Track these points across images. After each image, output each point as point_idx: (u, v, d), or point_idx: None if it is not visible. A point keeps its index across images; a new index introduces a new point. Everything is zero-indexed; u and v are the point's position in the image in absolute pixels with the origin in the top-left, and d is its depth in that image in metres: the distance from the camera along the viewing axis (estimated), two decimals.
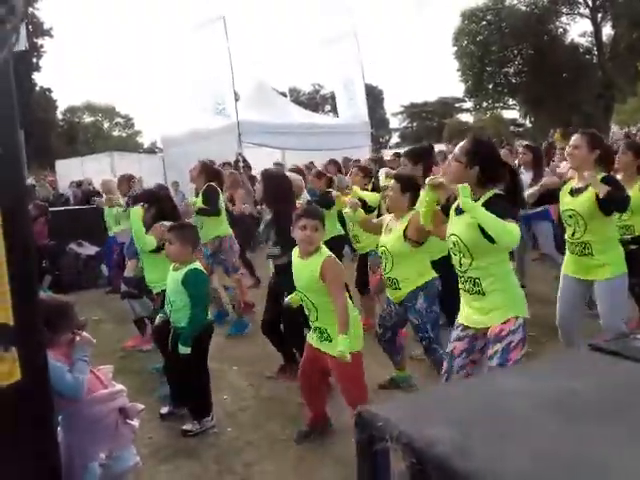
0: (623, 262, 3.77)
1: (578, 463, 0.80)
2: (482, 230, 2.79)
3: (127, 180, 7.01)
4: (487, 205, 2.83)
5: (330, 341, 3.29)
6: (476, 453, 0.82)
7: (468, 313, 3.04)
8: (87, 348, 2.55)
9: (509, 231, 2.71)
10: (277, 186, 4.66)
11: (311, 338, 3.50)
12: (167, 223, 4.24)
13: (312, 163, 10.75)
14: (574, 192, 3.79)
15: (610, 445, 0.83)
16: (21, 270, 1.48)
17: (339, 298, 3.19)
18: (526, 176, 5.96)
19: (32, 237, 1.61)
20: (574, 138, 3.83)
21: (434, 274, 3.91)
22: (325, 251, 3.32)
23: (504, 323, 2.88)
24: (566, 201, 3.83)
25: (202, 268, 3.89)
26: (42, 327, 1.67)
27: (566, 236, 3.89)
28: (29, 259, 1.54)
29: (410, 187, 3.88)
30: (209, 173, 6.24)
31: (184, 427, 3.82)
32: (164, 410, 4.06)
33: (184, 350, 3.59)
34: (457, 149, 3.02)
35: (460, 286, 3.07)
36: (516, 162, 7.28)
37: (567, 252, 3.92)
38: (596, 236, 3.68)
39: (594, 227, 3.67)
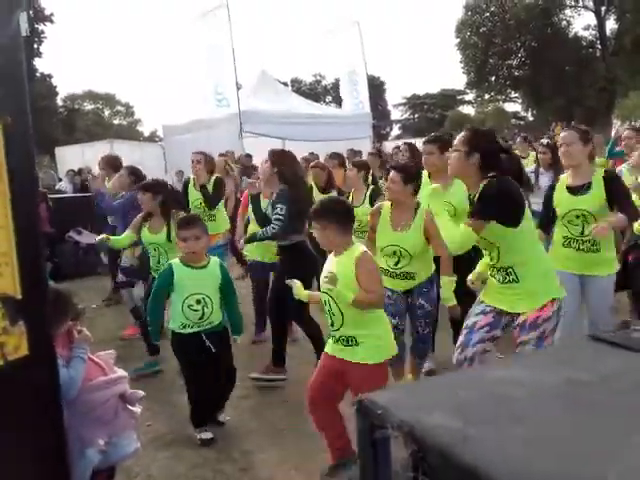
0: (616, 260, 3.82)
1: (578, 451, 0.80)
2: (500, 222, 2.80)
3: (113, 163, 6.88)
4: (479, 198, 2.83)
5: (357, 345, 2.89)
6: (476, 441, 0.83)
7: (498, 298, 3.00)
8: (85, 345, 2.52)
9: (451, 234, 2.91)
10: (286, 163, 4.54)
11: (331, 349, 3.03)
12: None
13: (312, 153, 10.70)
14: (575, 191, 3.67)
15: (609, 433, 0.84)
16: (29, 245, 1.48)
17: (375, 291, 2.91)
18: (546, 177, 5.62)
19: (39, 215, 1.62)
20: (564, 135, 3.73)
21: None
22: (358, 247, 2.98)
23: (540, 309, 2.86)
24: (569, 201, 3.68)
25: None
26: (49, 303, 1.67)
27: (566, 234, 3.74)
28: (36, 235, 1.54)
29: (411, 178, 3.85)
30: (211, 165, 6.23)
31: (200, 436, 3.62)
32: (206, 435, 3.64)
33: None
34: (456, 139, 3.00)
35: (491, 275, 3.04)
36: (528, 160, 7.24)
37: (566, 250, 3.75)
38: None
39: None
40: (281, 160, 4.50)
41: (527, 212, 2.90)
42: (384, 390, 1.12)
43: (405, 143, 7.17)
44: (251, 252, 5.32)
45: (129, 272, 5.36)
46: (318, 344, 4.20)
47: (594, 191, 3.59)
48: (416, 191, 3.86)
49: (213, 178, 6.03)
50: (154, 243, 4.57)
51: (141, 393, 2.66)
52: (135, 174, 5.75)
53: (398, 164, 4.34)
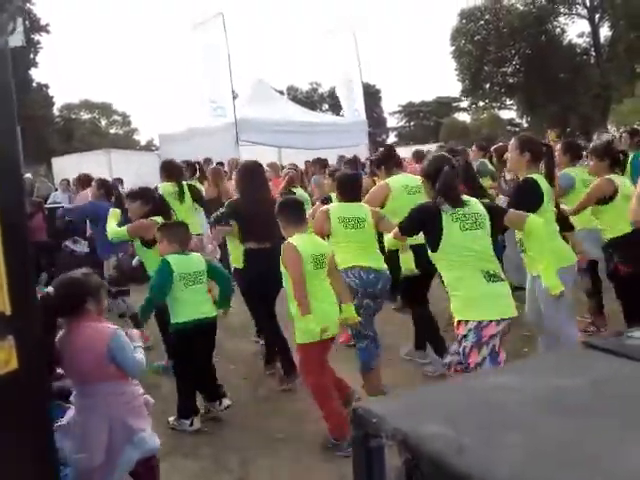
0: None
1: (570, 458, 0.80)
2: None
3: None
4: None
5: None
6: (470, 449, 0.83)
7: None
8: (140, 338, 2.91)
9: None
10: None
11: None
12: (157, 219, 4.42)
13: (308, 161, 10.71)
14: None
15: (602, 441, 0.84)
16: (18, 260, 1.48)
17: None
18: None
19: (27, 229, 1.62)
20: (510, 142, 4.11)
21: None
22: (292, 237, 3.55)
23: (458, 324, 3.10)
24: None
25: (173, 259, 3.78)
26: (39, 317, 1.67)
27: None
28: (25, 249, 1.54)
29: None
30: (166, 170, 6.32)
31: (170, 418, 3.91)
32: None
33: None
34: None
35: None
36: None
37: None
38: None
39: None
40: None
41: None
42: (379, 399, 1.12)
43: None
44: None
45: (112, 282, 5.45)
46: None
47: None
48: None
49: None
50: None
51: (152, 400, 2.88)
52: (104, 186, 6.03)
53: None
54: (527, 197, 3.71)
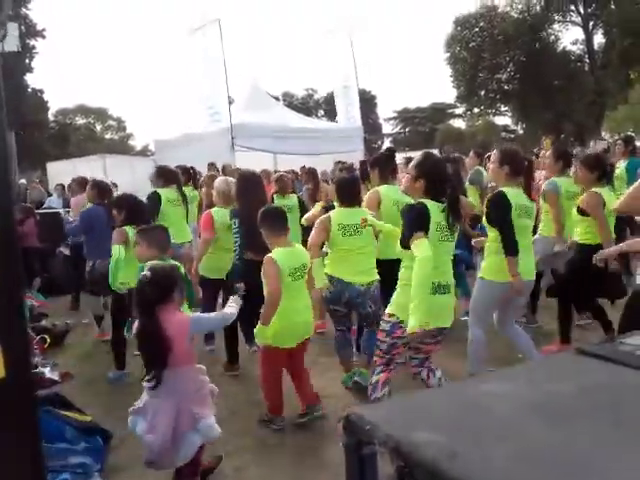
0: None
1: (562, 464, 0.80)
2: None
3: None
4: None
5: None
6: (462, 456, 0.83)
7: None
8: (237, 303, 3.20)
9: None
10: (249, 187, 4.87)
11: None
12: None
13: (304, 167, 10.72)
14: None
15: (594, 446, 0.84)
16: (6, 266, 1.46)
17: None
18: None
19: (17, 234, 1.60)
20: (492, 154, 4.26)
21: None
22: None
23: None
24: None
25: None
26: (27, 324, 1.66)
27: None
28: (14, 256, 1.52)
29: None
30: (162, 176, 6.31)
31: None
32: None
33: None
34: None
35: None
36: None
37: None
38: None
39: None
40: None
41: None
42: (371, 406, 1.12)
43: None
44: None
45: (99, 282, 5.41)
46: None
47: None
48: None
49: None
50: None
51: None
52: (98, 187, 5.98)
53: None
54: (496, 210, 3.91)
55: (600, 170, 4.61)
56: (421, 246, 3.04)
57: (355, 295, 4.18)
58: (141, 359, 2.97)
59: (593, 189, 4.54)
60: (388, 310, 3.34)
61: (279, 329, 3.63)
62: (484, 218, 4.07)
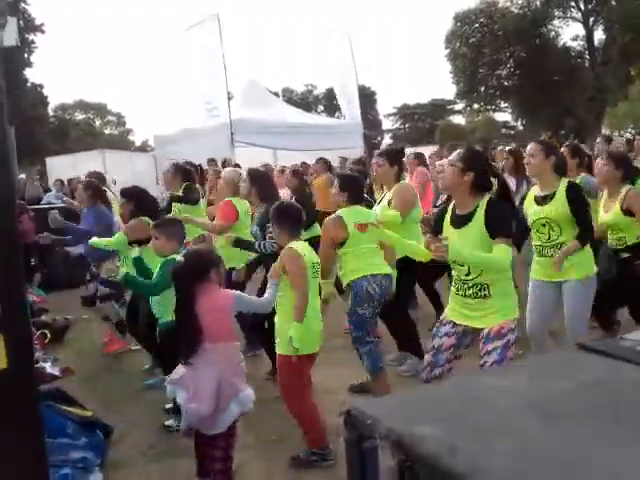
0: (593, 262, 3.89)
1: (564, 460, 0.81)
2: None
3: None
4: (486, 213, 3.03)
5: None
6: (463, 450, 0.83)
7: (463, 313, 3.16)
8: (277, 280, 3.23)
9: (497, 261, 2.97)
10: (265, 184, 4.78)
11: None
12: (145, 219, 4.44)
13: (304, 163, 10.73)
14: (541, 200, 3.88)
15: (595, 443, 0.84)
16: (7, 260, 1.47)
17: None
18: (510, 182, 5.88)
19: (17, 227, 1.60)
20: (528, 147, 4.01)
21: None
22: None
23: (504, 322, 3.05)
24: (536, 210, 3.89)
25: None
26: (29, 316, 1.67)
27: (537, 242, 3.93)
28: (15, 249, 1.53)
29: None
30: (183, 174, 6.24)
31: (165, 422, 3.85)
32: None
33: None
34: (453, 155, 3.23)
35: (457, 291, 3.19)
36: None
37: (537, 257, 3.95)
38: (570, 237, 3.77)
39: (568, 229, 3.78)
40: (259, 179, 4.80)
41: None
42: (373, 400, 1.12)
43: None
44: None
45: (111, 284, 5.27)
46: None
47: (556, 200, 3.79)
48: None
49: (184, 185, 6.05)
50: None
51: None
52: (91, 187, 5.76)
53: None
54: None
55: (625, 168, 4.49)
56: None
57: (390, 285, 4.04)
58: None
59: (627, 186, 4.42)
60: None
61: (306, 332, 3.24)
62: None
